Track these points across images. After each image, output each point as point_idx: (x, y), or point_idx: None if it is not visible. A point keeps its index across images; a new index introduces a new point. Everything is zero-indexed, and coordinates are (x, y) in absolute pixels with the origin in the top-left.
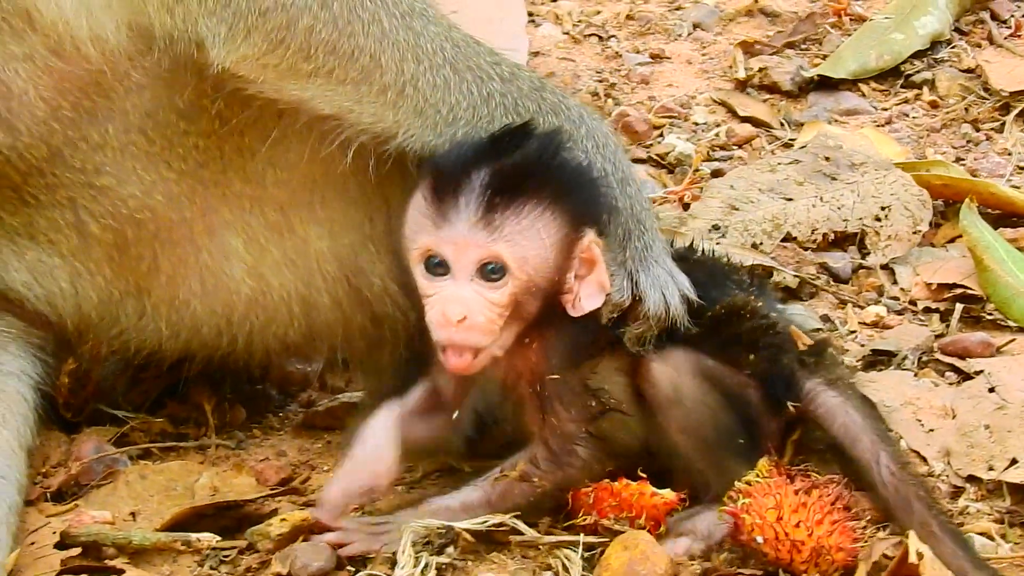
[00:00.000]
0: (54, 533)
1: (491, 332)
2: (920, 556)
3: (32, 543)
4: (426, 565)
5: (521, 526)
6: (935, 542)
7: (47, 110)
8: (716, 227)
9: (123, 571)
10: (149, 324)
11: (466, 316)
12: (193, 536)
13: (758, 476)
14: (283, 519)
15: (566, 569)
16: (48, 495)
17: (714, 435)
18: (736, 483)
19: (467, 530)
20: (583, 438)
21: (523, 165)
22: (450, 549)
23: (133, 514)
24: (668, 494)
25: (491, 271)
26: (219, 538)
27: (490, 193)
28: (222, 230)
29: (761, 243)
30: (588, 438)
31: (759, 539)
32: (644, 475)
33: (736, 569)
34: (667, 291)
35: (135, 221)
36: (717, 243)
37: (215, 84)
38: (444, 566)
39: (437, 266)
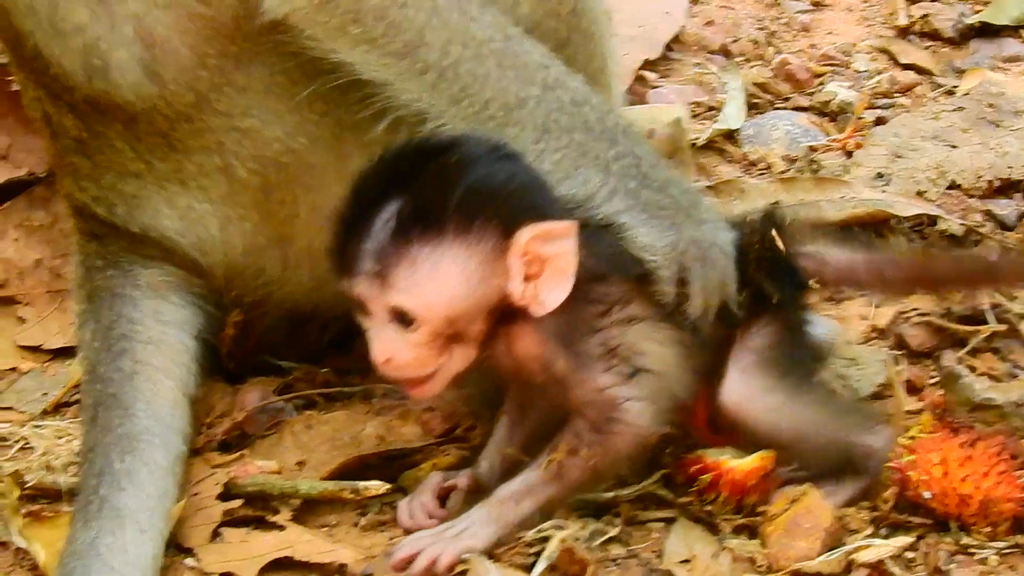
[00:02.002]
0: (217, 484)
1: (423, 365)
2: None
3: (196, 493)
4: (594, 531)
5: (666, 494)
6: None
7: (193, 58)
8: (880, 175)
9: (289, 521)
10: (292, 275)
11: (390, 358)
12: (360, 484)
13: (922, 431)
14: (434, 463)
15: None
16: (213, 445)
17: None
18: (900, 440)
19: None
20: (621, 402)
21: (412, 207)
22: (617, 520)
23: (299, 463)
24: (750, 461)
25: (401, 318)
26: (388, 486)
27: (379, 244)
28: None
29: (926, 191)
30: (627, 401)
31: (926, 495)
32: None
33: (907, 517)
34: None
35: (279, 164)
36: (882, 191)
37: None
38: (605, 533)
39: (360, 307)
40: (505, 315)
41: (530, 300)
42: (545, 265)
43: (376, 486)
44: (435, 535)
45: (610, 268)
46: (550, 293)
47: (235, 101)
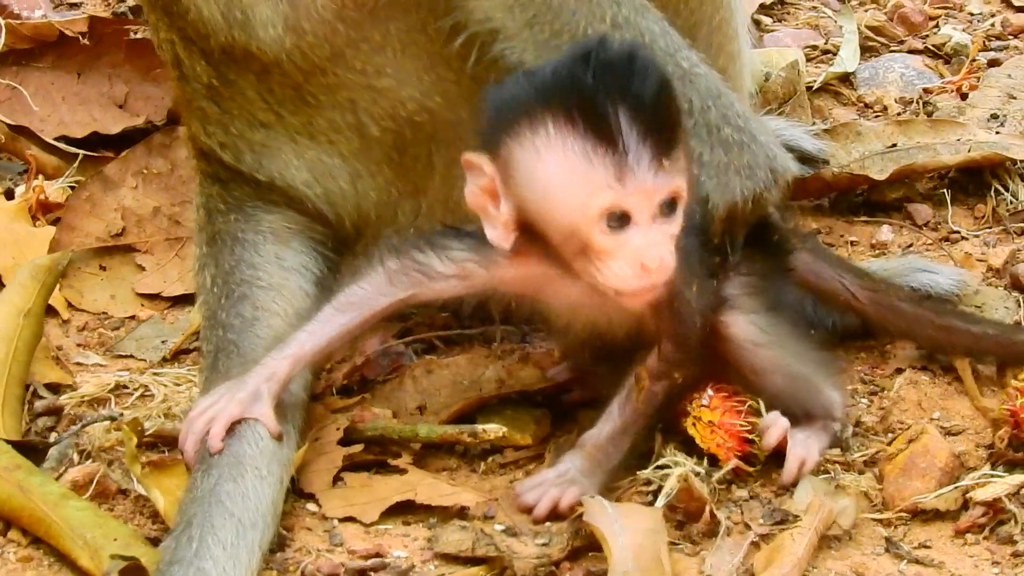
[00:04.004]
0: (338, 429)
1: (674, 260)
2: None
3: (318, 439)
4: (712, 468)
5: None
6: (937, 330)
7: (333, 10)
8: (995, 116)
9: (410, 464)
10: (424, 224)
11: (663, 257)
12: (479, 428)
13: None
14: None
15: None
16: (334, 390)
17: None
18: (1013, 381)
19: None
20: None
21: (654, 84)
22: None
23: (420, 408)
24: None
25: (669, 206)
26: (506, 429)
27: (653, 128)
28: None
29: None
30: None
31: None
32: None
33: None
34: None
35: (413, 123)
36: (996, 132)
37: None
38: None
39: (618, 220)
40: None
41: None
42: None
43: (494, 429)
44: (554, 479)
45: None
46: None
47: (371, 59)
